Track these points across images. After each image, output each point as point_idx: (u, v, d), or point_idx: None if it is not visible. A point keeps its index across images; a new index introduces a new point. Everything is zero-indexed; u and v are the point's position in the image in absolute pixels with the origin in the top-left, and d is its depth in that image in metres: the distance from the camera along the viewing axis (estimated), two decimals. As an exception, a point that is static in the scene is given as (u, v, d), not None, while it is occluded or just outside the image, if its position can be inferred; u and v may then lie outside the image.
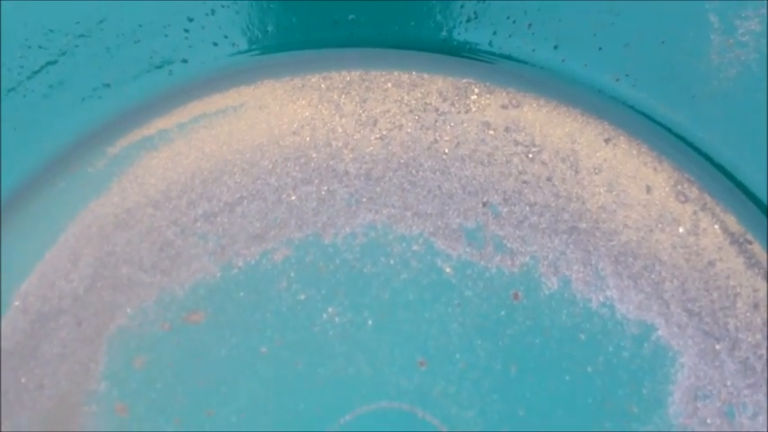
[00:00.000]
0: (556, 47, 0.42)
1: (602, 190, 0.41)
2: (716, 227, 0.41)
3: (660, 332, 0.40)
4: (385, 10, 0.42)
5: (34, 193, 0.41)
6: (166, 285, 0.40)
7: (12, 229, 0.41)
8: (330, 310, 0.40)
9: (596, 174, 0.42)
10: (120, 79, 0.42)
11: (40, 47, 0.40)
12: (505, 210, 0.41)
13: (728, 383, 0.39)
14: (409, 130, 0.42)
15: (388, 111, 0.43)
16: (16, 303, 0.40)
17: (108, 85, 0.42)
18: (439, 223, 0.41)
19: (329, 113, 0.43)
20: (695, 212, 0.41)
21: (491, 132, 0.42)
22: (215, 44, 0.42)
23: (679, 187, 0.41)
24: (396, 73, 0.43)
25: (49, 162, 0.41)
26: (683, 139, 0.42)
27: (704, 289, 0.40)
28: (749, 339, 0.40)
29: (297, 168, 0.42)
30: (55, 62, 0.41)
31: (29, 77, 0.40)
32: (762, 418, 0.39)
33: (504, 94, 0.43)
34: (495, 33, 0.42)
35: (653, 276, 0.40)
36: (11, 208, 0.41)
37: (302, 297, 0.40)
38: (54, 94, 0.41)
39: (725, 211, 0.41)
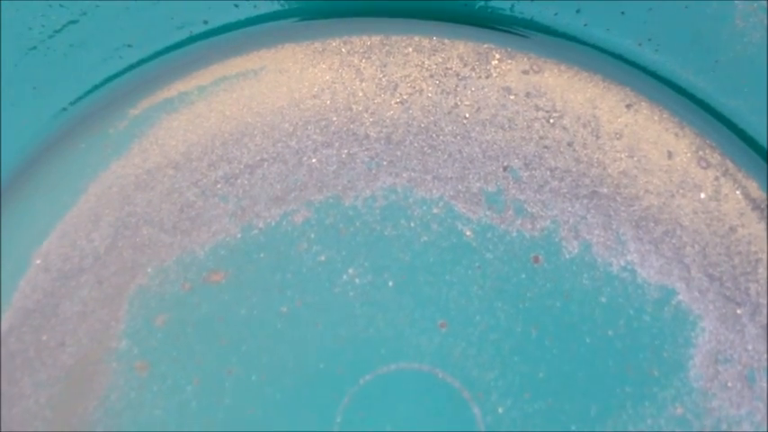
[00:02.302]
0: (578, 11, 0.42)
1: (623, 155, 0.41)
2: (737, 193, 0.41)
3: (681, 296, 0.40)
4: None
5: (55, 153, 0.41)
6: (187, 246, 0.40)
7: (33, 189, 0.41)
8: (350, 271, 0.40)
9: (617, 139, 0.41)
10: (140, 40, 0.42)
11: (61, 6, 0.40)
12: (526, 174, 0.41)
13: (749, 348, 0.39)
14: (430, 95, 0.42)
15: (409, 75, 0.42)
16: (37, 262, 0.40)
17: (129, 46, 0.42)
18: (459, 187, 0.41)
19: (350, 77, 0.42)
20: (717, 178, 0.41)
21: (512, 97, 0.42)
22: (236, 6, 0.42)
23: (701, 153, 0.41)
24: (416, 38, 0.43)
25: (70, 122, 0.42)
26: (705, 104, 0.42)
27: (725, 254, 0.40)
28: (771, 304, 0.39)
29: (317, 131, 0.42)
30: (76, 21, 0.41)
31: (50, 36, 0.40)
32: (783, 383, 0.39)
33: (525, 59, 0.43)
34: (516, -3, 0.42)
35: (674, 241, 0.40)
36: (32, 167, 0.41)
37: (322, 258, 0.40)
38: (75, 53, 0.41)
39: (747, 177, 0.41)
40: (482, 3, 0.42)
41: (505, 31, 0.43)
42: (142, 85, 0.42)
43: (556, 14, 0.42)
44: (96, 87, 0.42)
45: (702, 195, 0.41)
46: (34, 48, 0.40)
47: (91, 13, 0.41)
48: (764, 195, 0.41)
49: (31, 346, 0.39)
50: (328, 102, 0.42)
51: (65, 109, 0.41)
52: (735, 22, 0.41)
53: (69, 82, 0.41)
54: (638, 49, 0.42)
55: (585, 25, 0.42)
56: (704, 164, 0.41)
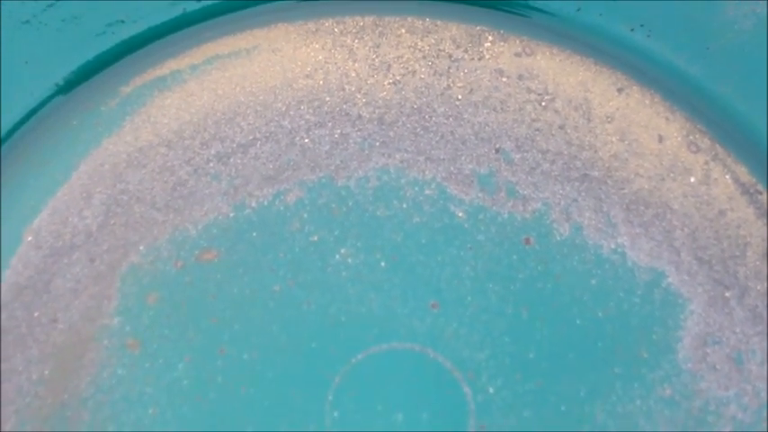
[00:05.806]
0: (571, -5, 0.42)
1: (614, 139, 0.42)
2: (727, 177, 0.41)
3: (670, 279, 0.40)
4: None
5: (47, 129, 0.41)
6: (179, 224, 0.40)
7: (24, 165, 0.41)
8: (343, 251, 0.40)
9: (609, 122, 0.42)
10: (133, 16, 0.41)
11: (54, -20, 0.40)
12: (518, 156, 0.41)
13: (737, 330, 0.40)
14: (422, 76, 0.42)
15: (402, 56, 0.42)
16: (29, 238, 0.40)
17: (121, 22, 0.41)
18: (451, 168, 0.41)
19: (342, 58, 0.42)
20: (707, 162, 0.41)
21: (504, 80, 0.42)
22: (230, -16, 0.42)
23: (691, 137, 0.42)
24: (409, 19, 0.43)
25: (62, 99, 0.41)
26: (695, 89, 0.42)
27: (714, 238, 0.41)
28: (758, 288, 0.40)
29: (310, 111, 0.42)
30: (69, -4, 0.40)
31: (43, 10, 0.40)
32: (770, 365, 0.39)
33: (517, 41, 0.43)
34: (510, -20, 0.42)
35: (664, 224, 0.41)
36: (23, 143, 0.41)
37: (315, 238, 0.40)
38: (67, 28, 0.41)
39: (736, 161, 0.41)
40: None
41: (498, 14, 0.43)
42: (134, 63, 0.42)
43: (549, -2, 0.42)
44: (89, 63, 0.41)
45: (692, 179, 0.41)
46: (27, 21, 0.40)
47: (84, -13, 0.40)
48: (753, 180, 0.41)
49: (23, 323, 0.39)
50: (321, 82, 0.42)
51: (57, 84, 0.41)
52: (726, 10, 0.41)
53: (62, 57, 0.41)
54: (631, 35, 0.42)
55: (579, 10, 0.42)
56: (694, 148, 0.41)
